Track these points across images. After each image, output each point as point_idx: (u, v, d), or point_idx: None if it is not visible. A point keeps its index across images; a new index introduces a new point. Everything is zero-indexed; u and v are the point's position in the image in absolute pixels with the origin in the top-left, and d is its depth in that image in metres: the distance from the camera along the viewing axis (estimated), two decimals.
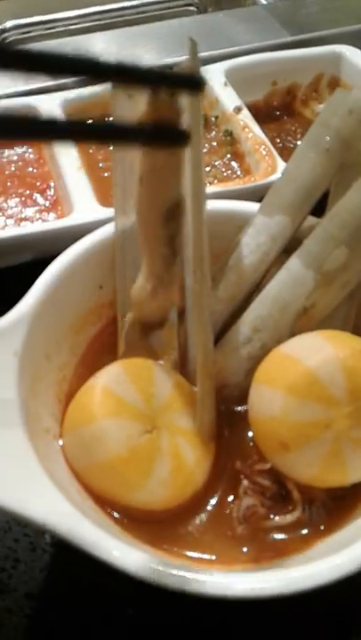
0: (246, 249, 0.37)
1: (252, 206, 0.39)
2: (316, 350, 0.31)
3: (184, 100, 0.36)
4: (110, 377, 0.32)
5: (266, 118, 0.57)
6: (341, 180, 0.36)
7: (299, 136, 0.56)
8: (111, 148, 0.49)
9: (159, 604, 0.32)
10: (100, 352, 0.38)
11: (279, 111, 0.58)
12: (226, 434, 0.35)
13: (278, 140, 0.55)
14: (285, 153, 0.54)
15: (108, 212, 0.43)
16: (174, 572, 0.25)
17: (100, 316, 0.38)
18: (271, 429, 0.31)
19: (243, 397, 0.35)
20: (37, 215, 0.46)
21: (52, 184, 0.48)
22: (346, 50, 0.58)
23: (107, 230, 0.37)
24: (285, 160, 0.49)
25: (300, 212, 0.36)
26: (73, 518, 0.26)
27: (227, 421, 0.35)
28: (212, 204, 0.37)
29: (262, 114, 0.57)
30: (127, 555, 0.25)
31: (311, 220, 0.37)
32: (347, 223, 0.34)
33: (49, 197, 0.47)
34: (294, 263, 0.35)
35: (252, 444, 0.34)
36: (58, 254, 0.36)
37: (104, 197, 0.45)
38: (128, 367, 0.33)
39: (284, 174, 0.37)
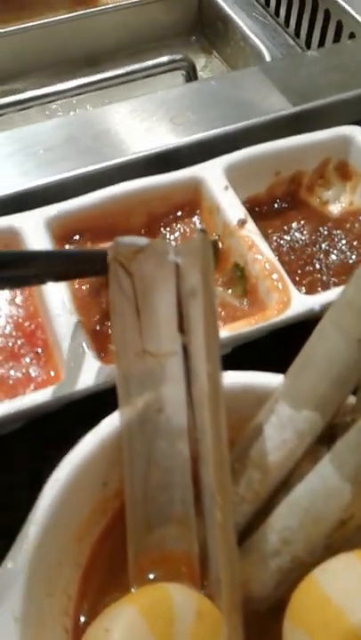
0: (270, 443, 0.32)
1: (271, 378, 0.34)
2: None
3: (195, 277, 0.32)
4: (125, 630, 0.28)
5: (269, 212, 0.52)
6: None
7: (306, 234, 0.51)
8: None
9: None
10: (107, 558, 0.33)
11: (283, 202, 0.53)
12: None
13: (282, 242, 0.50)
14: (290, 261, 0.49)
15: (106, 370, 0.39)
16: None
17: (105, 510, 0.34)
18: None
19: (271, 611, 0.31)
20: (25, 370, 0.40)
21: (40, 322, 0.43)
22: (356, 131, 0.53)
23: (108, 424, 0.33)
24: (295, 282, 0.45)
25: (332, 405, 0.32)
26: None
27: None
28: (227, 379, 0.33)
29: (264, 208, 0.52)
30: None
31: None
32: None
33: (39, 343, 0.42)
34: (328, 471, 0.30)
35: None
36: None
37: (100, 349, 0.40)
38: (143, 609, 0.29)
39: (310, 358, 0.32)
